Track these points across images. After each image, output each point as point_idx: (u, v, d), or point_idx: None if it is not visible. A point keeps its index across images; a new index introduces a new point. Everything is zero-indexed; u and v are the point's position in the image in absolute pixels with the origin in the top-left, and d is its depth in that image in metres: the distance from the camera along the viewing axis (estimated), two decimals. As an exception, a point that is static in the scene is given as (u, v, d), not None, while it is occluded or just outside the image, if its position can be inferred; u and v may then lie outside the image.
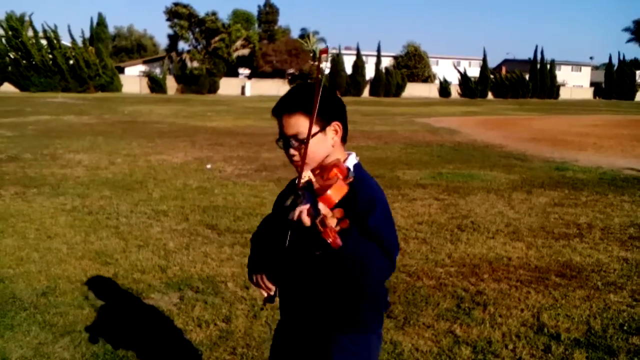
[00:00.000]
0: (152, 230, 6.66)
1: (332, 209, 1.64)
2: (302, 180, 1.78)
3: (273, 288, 1.98)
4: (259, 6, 64.72)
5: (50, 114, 24.10)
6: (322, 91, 1.79)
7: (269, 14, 63.98)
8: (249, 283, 4.92)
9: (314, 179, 1.79)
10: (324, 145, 1.92)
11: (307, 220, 1.61)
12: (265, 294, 2.00)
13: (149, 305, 4.56)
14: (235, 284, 4.99)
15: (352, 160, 1.99)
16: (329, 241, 1.56)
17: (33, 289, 4.75)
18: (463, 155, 13.86)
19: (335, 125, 1.93)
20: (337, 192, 1.68)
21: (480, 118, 30.24)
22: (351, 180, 1.78)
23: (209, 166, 11.37)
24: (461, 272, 5.43)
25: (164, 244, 6.09)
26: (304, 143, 1.82)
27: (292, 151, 1.91)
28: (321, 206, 1.64)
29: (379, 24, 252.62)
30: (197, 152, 13.56)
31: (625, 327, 4.25)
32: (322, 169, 1.87)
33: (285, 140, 1.92)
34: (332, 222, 1.59)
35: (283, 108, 1.92)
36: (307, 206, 1.63)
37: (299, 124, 1.88)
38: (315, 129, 1.84)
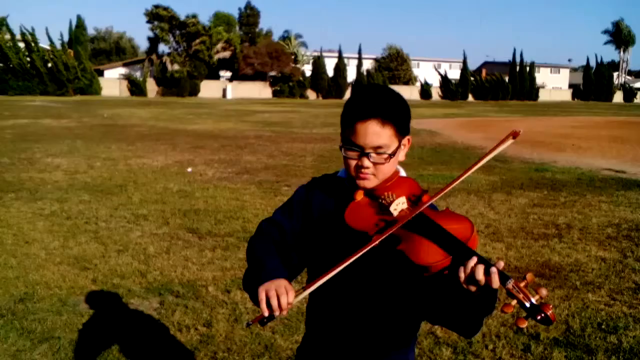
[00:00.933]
0: (132, 234, 6.60)
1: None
2: (398, 209, 1.61)
3: (285, 310, 1.56)
4: (240, 9, 64.71)
5: (28, 117, 23.80)
6: (403, 100, 1.71)
7: (250, 17, 63.91)
8: (230, 286, 4.93)
9: (416, 209, 1.60)
10: (397, 161, 1.75)
11: (497, 282, 1.42)
12: (267, 314, 1.55)
13: (129, 311, 4.52)
14: (216, 287, 4.96)
15: (402, 172, 1.83)
16: (548, 313, 1.36)
17: (10, 295, 4.68)
18: (444, 157, 13.95)
19: (407, 139, 1.77)
20: (476, 237, 1.53)
21: (461, 120, 30.47)
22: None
23: (189, 169, 11.30)
24: (442, 273, 5.45)
25: (144, 249, 6.05)
26: (390, 157, 1.67)
27: (366, 163, 1.67)
28: (500, 264, 1.45)
29: (361, 27, 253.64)
30: (177, 155, 13.48)
31: (603, 326, 4.31)
32: (395, 188, 1.69)
33: (361, 149, 1.67)
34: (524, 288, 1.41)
35: (374, 112, 1.65)
36: (498, 267, 1.44)
37: (387, 136, 1.67)
38: (395, 144, 1.70)
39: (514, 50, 72.85)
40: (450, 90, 67.23)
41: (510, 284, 1.40)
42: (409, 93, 65.33)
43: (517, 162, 13.49)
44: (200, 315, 4.38)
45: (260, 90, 59.28)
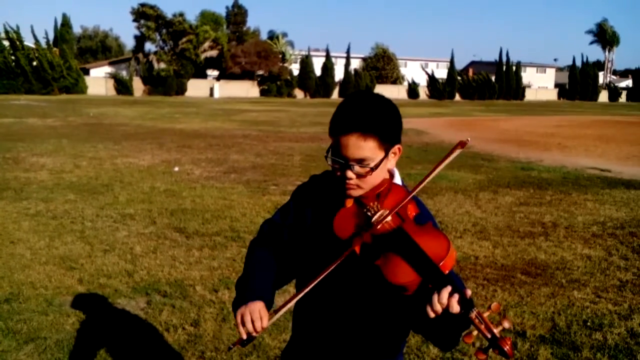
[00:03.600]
0: (119, 234, 6.56)
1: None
2: (383, 221, 1.59)
3: (259, 333, 1.67)
4: (227, 7, 64.31)
5: (13, 116, 23.56)
6: (390, 109, 1.69)
7: (237, 15, 63.63)
8: (218, 286, 4.92)
9: (396, 222, 1.60)
10: (384, 171, 1.74)
11: (457, 309, 1.42)
12: (245, 336, 1.66)
13: (116, 311, 4.49)
14: (203, 287, 4.94)
15: (398, 180, 1.82)
16: (505, 349, 1.36)
17: (-5, 296, 4.64)
18: (431, 156, 13.99)
19: (397, 148, 1.74)
20: (452, 257, 1.50)
21: (448, 119, 30.60)
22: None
23: (176, 169, 11.25)
24: (429, 271, 5.47)
25: (130, 248, 6.01)
26: (371, 170, 1.66)
27: (350, 174, 1.66)
28: (468, 292, 1.43)
29: (348, 26, 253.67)
30: (164, 154, 13.41)
31: (588, 323, 4.35)
32: (381, 197, 1.67)
33: (344, 161, 1.66)
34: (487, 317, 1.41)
35: (354, 125, 1.64)
36: (451, 291, 1.44)
37: (369, 149, 1.64)
38: (381, 155, 1.67)
39: (501, 49, 72.88)
40: (438, 89, 67.45)
41: (473, 314, 1.40)
42: (397, 92, 65.50)
43: (503, 161, 13.58)
44: (188, 315, 4.37)
45: (247, 90, 59.08)
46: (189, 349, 3.85)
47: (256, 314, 1.66)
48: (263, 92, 59.48)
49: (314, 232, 1.80)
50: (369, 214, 1.63)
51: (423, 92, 67.76)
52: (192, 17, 68.33)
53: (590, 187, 10.17)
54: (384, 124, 1.66)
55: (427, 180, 1.69)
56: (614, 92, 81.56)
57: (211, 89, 57.27)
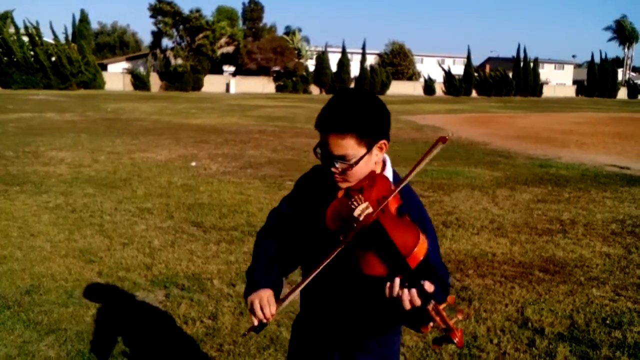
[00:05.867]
0: (137, 228, 6.62)
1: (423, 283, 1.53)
2: (364, 214, 1.67)
3: (270, 319, 1.79)
4: (243, 3, 64.31)
5: (32, 111, 23.83)
6: (370, 106, 1.76)
7: (253, 11, 63.70)
8: (235, 280, 4.95)
9: (376, 214, 1.67)
10: (369, 164, 1.81)
11: (417, 302, 1.52)
12: (256, 322, 1.79)
13: (135, 303, 4.54)
14: (221, 281, 4.98)
15: (389, 170, 1.90)
16: (454, 340, 1.45)
17: (17, 288, 4.71)
18: (448, 153, 13.92)
19: (382, 143, 1.81)
20: (421, 251, 1.57)
21: (465, 116, 30.43)
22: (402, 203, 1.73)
23: (193, 164, 11.32)
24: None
25: (148, 242, 6.06)
26: (351, 166, 1.75)
27: (333, 169, 1.79)
28: (427, 285, 1.51)
29: (364, 22, 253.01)
30: (181, 149, 13.49)
31: (607, 321, 4.32)
32: (366, 190, 1.75)
33: (329, 157, 1.78)
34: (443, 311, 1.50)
35: (331, 126, 1.74)
36: (410, 287, 1.52)
37: (348, 146, 1.74)
38: (362, 151, 1.76)
39: (518, 46, 72.84)
40: (454, 86, 67.09)
41: (430, 306, 1.49)
42: (413, 89, 65.31)
43: (521, 157, 13.48)
44: (206, 308, 4.40)
45: (263, 85, 59.18)
46: (207, 342, 3.88)
47: (264, 301, 1.79)
48: (279, 88, 59.54)
49: (311, 222, 1.91)
50: (353, 206, 1.72)
51: (439, 89, 67.44)
52: (208, 13, 68.58)
53: (609, 185, 10.07)
54: (362, 121, 1.73)
55: (408, 179, 1.74)
56: (633, 89, 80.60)
57: (227, 85, 57.45)
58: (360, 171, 1.78)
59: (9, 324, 4.03)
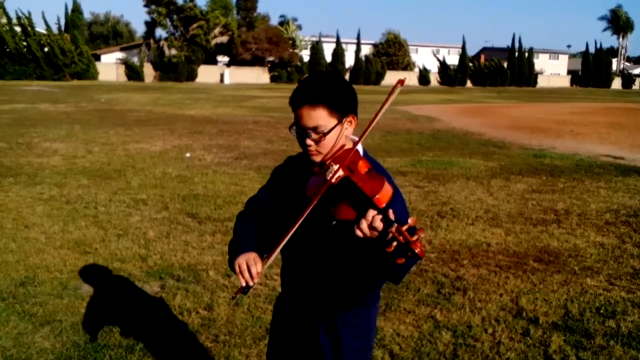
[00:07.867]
0: (132, 219, 6.60)
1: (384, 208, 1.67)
2: (336, 176, 1.80)
3: (256, 278, 1.92)
4: (237, -7, 64.07)
5: (25, 102, 23.69)
6: (338, 82, 1.94)
7: (247, 1, 63.33)
8: (230, 271, 4.95)
9: (346, 174, 1.80)
10: (341, 138, 1.95)
11: (380, 226, 1.64)
12: (244, 283, 1.93)
13: (130, 294, 4.54)
14: (216, 272, 4.98)
15: (359, 147, 2.01)
16: (416, 251, 1.57)
17: (11, 279, 4.70)
18: (442, 143, 13.94)
19: (351, 117, 1.97)
20: (386, 194, 1.70)
21: (460, 106, 30.42)
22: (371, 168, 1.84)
23: (188, 154, 11.29)
24: (441, 258, 5.48)
25: (143, 233, 6.05)
26: (324, 135, 1.89)
27: (308, 142, 1.92)
28: (389, 212, 1.65)
29: (359, 12, 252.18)
30: (176, 140, 13.45)
31: (601, 311, 4.34)
32: (338, 159, 1.88)
33: (302, 130, 1.92)
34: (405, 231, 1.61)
35: (303, 99, 1.90)
36: (376, 213, 1.66)
37: (320, 117, 1.89)
38: (333, 122, 1.90)
39: (513, 35, 72.73)
40: (449, 76, 67.02)
41: (393, 228, 1.61)
42: (408, 79, 64.99)
43: (515, 148, 13.50)
44: (201, 299, 4.40)
45: (258, 76, 58.99)
46: (203, 333, 3.89)
47: (251, 260, 1.93)
48: (273, 79, 59.38)
49: (291, 199, 2.04)
50: (326, 172, 1.86)
51: (434, 79, 67.35)
52: (202, 2, 68.17)
53: (604, 175, 10.10)
54: (331, 94, 1.89)
55: (371, 126, 1.89)
56: (628, 79, 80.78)
57: (221, 75, 57.23)
58: (331, 141, 1.92)
59: (3, 316, 4.03)
